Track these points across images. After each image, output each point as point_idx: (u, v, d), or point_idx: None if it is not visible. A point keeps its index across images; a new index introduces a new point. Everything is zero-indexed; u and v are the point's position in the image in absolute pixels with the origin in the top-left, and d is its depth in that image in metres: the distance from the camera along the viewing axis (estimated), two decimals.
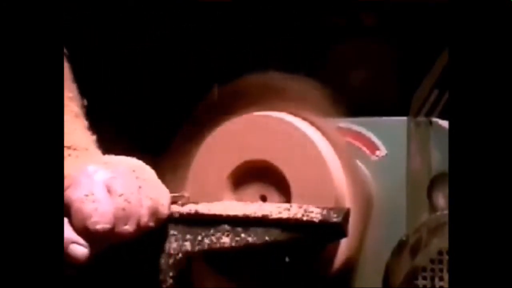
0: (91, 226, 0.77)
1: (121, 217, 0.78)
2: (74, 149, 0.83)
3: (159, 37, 1.29)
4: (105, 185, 0.79)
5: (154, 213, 0.81)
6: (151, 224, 0.80)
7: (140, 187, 0.80)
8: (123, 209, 0.78)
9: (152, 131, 1.21)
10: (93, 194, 0.78)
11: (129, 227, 0.79)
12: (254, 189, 0.97)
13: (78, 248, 0.77)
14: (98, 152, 0.85)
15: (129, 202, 0.79)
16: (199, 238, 0.83)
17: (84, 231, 0.77)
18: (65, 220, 0.78)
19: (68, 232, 0.77)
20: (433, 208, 1.02)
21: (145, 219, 0.80)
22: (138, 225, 0.79)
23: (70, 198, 0.78)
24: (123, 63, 1.27)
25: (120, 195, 0.79)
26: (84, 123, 0.87)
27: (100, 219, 0.77)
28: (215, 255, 0.85)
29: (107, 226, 0.77)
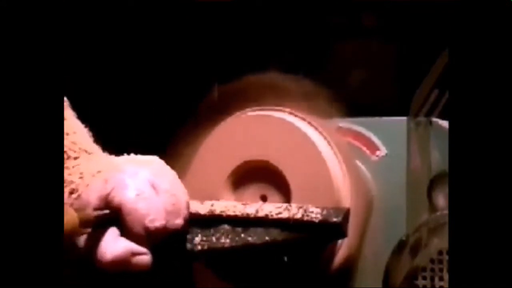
0: (149, 224, 0.77)
1: (171, 212, 0.78)
2: (88, 152, 0.83)
3: (159, 37, 1.29)
4: (150, 183, 0.79)
5: (188, 206, 0.81)
6: (188, 216, 0.81)
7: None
8: (173, 204, 0.79)
9: (152, 131, 1.21)
10: (143, 192, 0.77)
11: (180, 221, 0.79)
12: (254, 189, 0.97)
13: (143, 258, 0.77)
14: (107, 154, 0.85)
15: (175, 196, 0.79)
16: (199, 238, 0.83)
17: (141, 231, 0.77)
18: (112, 230, 0.78)
19: (124, 243, 0.77)
20: (433, 208, 1.02)
21: (186, 211, 0.80)
22: (184, 218, 0.80)
23: (119, 201, 0.77)
24: (124, 63, 1.27)
25: (166, 191, 0.79)
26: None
27: (156, 216, 0.77)
28: (215, 255, 0.85)
29: (163, 222, 0.78)
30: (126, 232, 0.78)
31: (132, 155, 0.83)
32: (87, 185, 0.79)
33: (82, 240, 0.78)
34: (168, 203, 0.79)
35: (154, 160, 0.82)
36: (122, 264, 0.77)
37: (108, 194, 0.78)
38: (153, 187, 0.79)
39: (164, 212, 0.78)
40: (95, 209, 0.77)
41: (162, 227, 0.78)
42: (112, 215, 0.78)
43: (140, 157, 0.83)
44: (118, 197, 0.77)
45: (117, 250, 0.77)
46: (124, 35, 1.27)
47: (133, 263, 0.77)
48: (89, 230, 0.77)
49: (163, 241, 0.79)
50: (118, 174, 0.79)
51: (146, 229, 0.77)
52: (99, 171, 0.80)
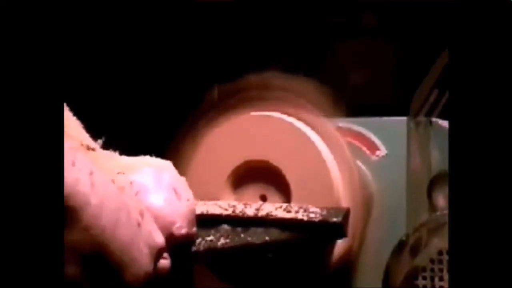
0: (176, 232, 0.76)
1: (191, 219, 0.78)
2: (85, 145, 0.82)
3: (159, 37, 1.29)
4: (172, 188, 0.78)
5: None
6: None
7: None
8: (191, 211, 0.78)
9: (151, 131, 1.21)
10: (168, 198, 0.76)
11: (195, 228, 0.79)
12: (254, 189, 0.97)
13: (163, 263, 0.76)
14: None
15: (192, 203, 0.79)
16: (199, 238, 0.83)
17: (166, 238, 0.76)
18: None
19: None
20: (433, 208, 1.02)
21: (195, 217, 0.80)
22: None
23: (146, 205, 0.75)
24: (124, 63, 1.27)
25: (186, 197, 0.78)
26: None
27: (183, 224, 0.76)
28: (215, 256, 0.85)
29: (187, 229, 0.77)
30: None
31: (147, 157, 0.82)
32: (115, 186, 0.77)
33: None
34: (188, 210, 0.78)
35: (167, 164, 0.81)
36: None
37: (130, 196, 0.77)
38: (175, 192, 0.78)
39: (187, 219, 0.77)
40: None
41: (186, 234, 0.77)
42: None
43: (152, 159, 0.81)
44: (144, 202, 0.76)
45: None
46: (125, 35, 1.27)
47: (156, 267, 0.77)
48: None
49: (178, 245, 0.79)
50: (142, 177, 0.77)
51: (172, 235, 0.76)
52: (118, 173, 0.78)
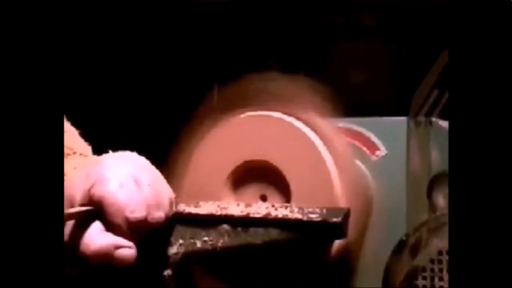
0: (130, 215, 0.77)
1: (152, 205, 0.79)
2: (80, 154, 0.85)
3: (159, 37, 1.29)
4: (132, 177, 0.79)
5: (171, 203, 0.82)
6: (171, 213, 0.82)
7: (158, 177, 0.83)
8: (154, 197, 0.79)
9: (152, 131, 1.22)
10: (124, 185, 0.78)
11: (161, 214, 0.80)
12: (254, 189, 0.97)
13: (126, 251, 0.78)
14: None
15: (157, 190, 0.80)
16: (199, 238, 0.83)
17: (122, 223, 0.78)
18: (97, 224, 0.78)
19: (108, 237, 0.78)
20: (433, 208, 1.02)
21: (167, 207, 0.81)
22: (165, 212, 0.81)
23: (100, 194, 0.78)
24: (124, 64, 1.27)
25: (147, 185, 0.80)
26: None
27: (136, 208, 0.78)
28: (214, 256, 0.85)
29: (144, 213, 0.78)
30: (109, 225, 0.78)
31: (115, 152, 0.84)
32: (70, 180, 0.79)
33: (66, 233, 0.78)
34: (149, 196, 0.79)
35: (135, 156, 0.84)
36: (105, 257, 0.78)
37: (89, 189, 0.78)
38: (135, 180, 0.79)
39: (145, 204, 0.79)
40: (80, 204, 0.78)
41: (142, 218, 0.78)
42: (93, 210, 0.78)
43: (122, 153, 0.84)
44: (99, 191, 0.78)
45: (100, 243, 0.77)
46: (124, 35, 1.27)
47: (116, 256, 0.78)
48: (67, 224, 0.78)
49: (148, 239, 0.79)
50: (99, 168, 0.80)
51: (127, 220, 0.78)
52: (81, 167, 0.80)
